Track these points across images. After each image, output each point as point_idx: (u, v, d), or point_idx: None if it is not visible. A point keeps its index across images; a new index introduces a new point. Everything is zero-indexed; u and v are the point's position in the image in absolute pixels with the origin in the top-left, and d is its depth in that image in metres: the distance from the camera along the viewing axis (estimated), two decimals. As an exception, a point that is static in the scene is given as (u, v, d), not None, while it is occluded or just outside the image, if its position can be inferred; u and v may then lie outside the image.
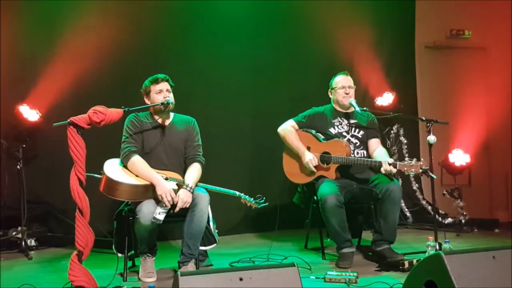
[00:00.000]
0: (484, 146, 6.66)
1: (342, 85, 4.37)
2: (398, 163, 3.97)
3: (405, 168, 3.93)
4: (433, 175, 4.03)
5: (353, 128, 4.41)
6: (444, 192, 5.88)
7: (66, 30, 5.33)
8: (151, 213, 3.59)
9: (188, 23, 5.80)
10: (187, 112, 4.17)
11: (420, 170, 3.90)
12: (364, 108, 4.39)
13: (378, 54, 6.32)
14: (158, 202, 3.64)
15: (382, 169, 4.01)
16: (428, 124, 4.17)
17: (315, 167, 4.29)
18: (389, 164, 3.97)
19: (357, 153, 4.35)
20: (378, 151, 4.32)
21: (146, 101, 3.93)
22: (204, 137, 4.14)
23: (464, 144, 6.19)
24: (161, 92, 3.87)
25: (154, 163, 3.81)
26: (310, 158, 4.29)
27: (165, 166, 3.85)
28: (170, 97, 3.87)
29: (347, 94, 4.36)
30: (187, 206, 3.68)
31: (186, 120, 4.05)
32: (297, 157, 4.41)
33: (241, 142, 5.97)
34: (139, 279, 3.82)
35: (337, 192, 4.08)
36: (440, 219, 5.79)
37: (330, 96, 4.49)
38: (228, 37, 5.88)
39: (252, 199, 3.95)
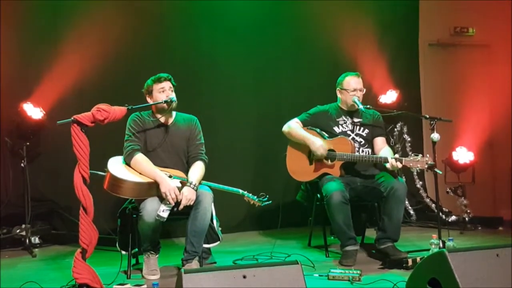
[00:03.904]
0: (488, 143, 6.64)
1: (354, 88, 4.34)
2: (404, 158, 3.96)
3: (411, 164, 3.92)
4: (438, 171, 4.02)
5: (358, 127, 4.40)
6: (448, 190, 5.87)
7: (69, 28, 5.34)
8: (154, 210, 3.59)
9: (192, 21, 5.79)
10: (192, 111, 4.17)
11: (426, 166, 3.89)
12: (368, 106, 4.38)
13: (382, 52, 6.31)
14: (162, 199, 3.65)
15: (388, 165, 4.01)
16: (432, 122, 4.17)
17: (319, 165, 4.29)
18: (395, 160, 3.97)
19: (362, 151, 4.34)
20: (383, 151, 4.30)
21: (149, 100, 3.93)
22: (208, 135, 4.15)
23: (468, 142, 6.17)
24: (164, 91, 3.88)
25: (157, 162, 3.82)
26: (321, 144, 4.22)
27: (167, 165, 3.86)
28: (173, 96, 3.88)
29: (358, 97, 4.34)
30: (191, 203, 3.69)
31: (188, 119, 4.06)
32: (301, 154, 4.40)
33: (245, 140, 5.97)
34: (142, 276, 3.83)
35: (343, 189, 4.08)
36: (443, 217, 5.79)
37: (338, 95, 4.46)
38: (232, 36, 5.87)
39: (255, 197, 3.96)
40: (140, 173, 3.72)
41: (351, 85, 4.35)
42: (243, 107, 5.95)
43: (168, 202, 3.61)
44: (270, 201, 4.00)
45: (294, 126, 4.42)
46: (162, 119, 3.94)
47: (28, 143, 5.08)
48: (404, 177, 5.87)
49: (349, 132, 4.38)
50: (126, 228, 3.94)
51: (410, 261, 3.77)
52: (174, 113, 4.01)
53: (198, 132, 4.04)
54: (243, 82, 5.97)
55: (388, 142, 4.59)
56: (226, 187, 3.94)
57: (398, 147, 6.15)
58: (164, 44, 5.70)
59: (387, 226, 4.13)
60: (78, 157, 3.04)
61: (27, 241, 4.89)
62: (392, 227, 4.12)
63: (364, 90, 4.42)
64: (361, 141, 4.37)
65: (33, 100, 5.15)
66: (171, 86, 3.92)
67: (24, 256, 4.72)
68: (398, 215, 4.12)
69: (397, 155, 4.05)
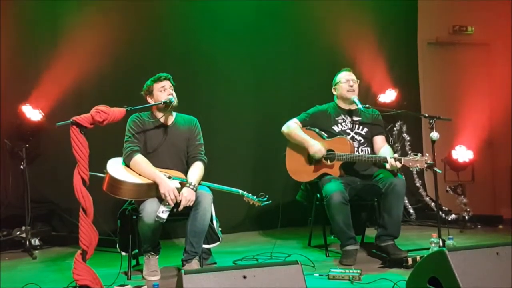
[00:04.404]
0: (487, 142, 6.64)
1: (346, 79, 4.38)
2: (403, 158, 3.97)
3: (410, 163, 3.93)
4: (438, 170, 4.02)
5: (357, 126, 4.41)
6: (448, 188, 5.88)
7: (69, 29, 5.33)
8: (154, 211, 3.59)
9: (192, 22, 5.79)
10: (192, 111, 4.18)
11: (425, 165, 3.90)
12: (367, 106, 4.39)
13: (381, 51, 6.31)
14: (161, 200, 3.65)
15: (387, 165, 4.01)
16: (431, 121, 4.17)
17: (319, 165, 4.29)
18: (395, 160, 3.97)
19: (361, 150, 4.35)
20: (383, 150, 4.31)
21: (149, 100, 3.94)
22: (208, 135, 4.15)
23: (467, 141, 6.18)
24: (165, 90, 3.88)
25: (157, 163, 3.82)
26: (319, 148, 4.23)
27: (167, 166, 3.86)
28: (173, 95, 3.88)
29: (351, 86, 4.36)
30: (191, 204, 3.69)
31: (188, 120, 4.06)
32: (300, 154, 4.40)
33: (244, 140, 5.97)
34: (143, 277, 3.82)
35: (342, 189, 4.08)
36: (443, 215, 5.79)
37: (334, 93, 4.48)
38: (231, 36, 5.87)
39: (255, 197, 3.96)
40: (139, 174, 3.72)
41: (343, 77, 4.39)
42: (242, 107, 5.95)
43: (167, 203, 3.61)
44: (270, 201, 4.00)
45: (293, 128, 4.42)
46: (162, 120, 3.94)
47: (27, 145, 5.07)
48: (403, 175, 5.88)
49: (348, 131, 4.38)
50: (126, 229, 3.94)
51: (410, 260, 3.77)
52: (174, 113, 4.01)
53: (198, 133, 4.04)
54: (243, 82, 5.97)
55: (387, 141, 4.59)
56: (225, 188, 3.94)
57: (398, 146, 6.15)
58: (164, 45, 5.69)
59: (387, 222, 4.13)
60: (78, 159, 3.04)
61: (27, 243, 4.88)
62: (392, 223, 4.12)
63: (358, 81, 4.45)
64: (361, 140, 4.37)
65: (32, 102, 5.14)
66: (171, 85, 3.93)
67: (24, 258, 4.71)
68: (397, 211, 4.12)
69: (396, 155, 4.06)
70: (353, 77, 4.42)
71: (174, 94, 3.92)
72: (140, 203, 3.69)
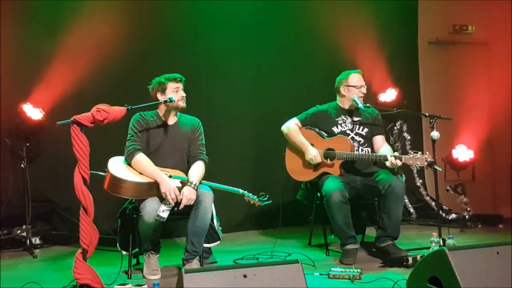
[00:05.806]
0: (488, 141, 6.63)
1: (361, 85, 4.36)
2: (403, 156, 3.97)
3: (411, 161, 3.93)
4: (438, 168, 4.02)
5: (357, 126, 4.41)
6: (448, 188, 5.88)
7: (69, 29, 5.32)
8: (155, 210, 3.60)
9: (192, 21, 5.79)
10: (191, 111, 4.17)
11: (426, 163, 3.90)
12: (367, 105, 4.38)
13: (381, 50, 6.30)
14: (162, 199, 3.65)
15: (387, 163, 4.01)
16: (432, 120, 4.16)
17: (318, 164, 4.30)
18: (395, 158, 3.97)
19: (362, 150, 4.34)
20: (383, 149, 4.31)
21: (159, 97, 3.92)
22: (208, 135, 4.15)
23: (467, 140, 6.18)
24: (178, 92, 3.89)
25: (159, 162, 3.82)
26: (315, 155, 4.28)
27: (169, 165, 3.86)
28: (184, 98, 3.91)
29: (364, 93, 4.36)
30: (191, 203, 3.69)
31: (191, 121, 4.07)
32: (300, 154, 4.41)
33: (245, 140, 5.97)
34: (143, 276, 3.83)
35: (342, 188, 4.08)
36: (444, 215, 5.79)
37: (343, 93, 4.39)
38: (231, 36, 5.87)
39: (255, 196, 3.96)
40: (140, 173, 3.72)
41: (358, 83, 4.36)
42: (242, 107, 5.95)
43: (168, 202, 3.61)
44: (270, 201, 4.00)
45: (292, 129, 4.43)
46: (166, 119, 3.95)
47: (28, 144, 5.07)
48: (404, 175, 5.89)
49: (348, 132, 4.38)
50: (126, 228, 3.94)
51: (410, 259, 3.78)
52: (177, 114, 4.02)
53: (200, 134, 4.05)
54: (243, 82, 5.97)
55: (387, 141, 4.59)
56: (226, 187, 3.94)
57: (398, 146, 6.15)
58: (164, 44, 5.69)
59: (386, 224, 4.14)
60: (78, 158, 3.05)
61: (28, 241, 4.88)
62: (392, 225, 4.12)
63: (366, 86, 4.45)
64: (361, 140, 4.37)
65: (32, 101, 5.14)
66: (183, 88, 3.94)
67: (24, 256, 4.72)
68: (397, 213, 4.12)
69: (396, 153, 4.06)
70: (364, 82, 4.40)
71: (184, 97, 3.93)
72: (140, 202, 3.69)
